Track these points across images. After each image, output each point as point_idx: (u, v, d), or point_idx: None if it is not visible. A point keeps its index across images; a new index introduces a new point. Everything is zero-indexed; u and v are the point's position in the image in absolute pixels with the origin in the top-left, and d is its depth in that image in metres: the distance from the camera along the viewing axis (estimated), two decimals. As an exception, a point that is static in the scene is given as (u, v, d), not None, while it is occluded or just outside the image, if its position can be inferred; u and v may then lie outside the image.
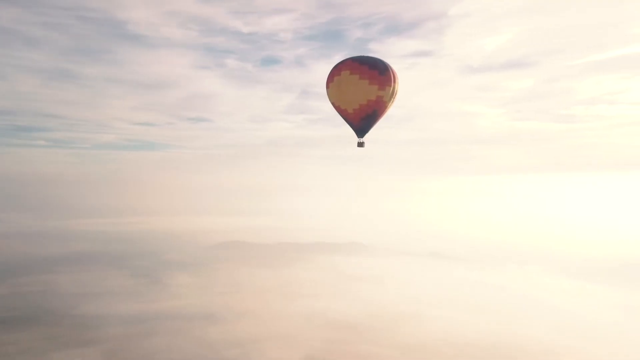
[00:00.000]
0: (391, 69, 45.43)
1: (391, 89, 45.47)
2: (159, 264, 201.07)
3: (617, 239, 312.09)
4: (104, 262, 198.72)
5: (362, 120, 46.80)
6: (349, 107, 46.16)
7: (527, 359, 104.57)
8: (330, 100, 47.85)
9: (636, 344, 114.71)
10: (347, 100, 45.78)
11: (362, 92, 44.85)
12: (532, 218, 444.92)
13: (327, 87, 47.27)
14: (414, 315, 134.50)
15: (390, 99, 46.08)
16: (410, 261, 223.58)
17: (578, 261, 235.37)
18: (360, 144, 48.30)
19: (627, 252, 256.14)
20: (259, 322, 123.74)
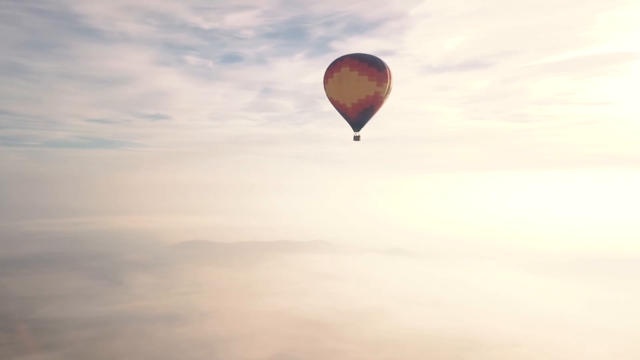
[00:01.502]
0: (387, 66, 48.01)
1: (387, 85, 48.16)
2: (119, 264, 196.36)
3: (571, 234, 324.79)
4: (61, 264, 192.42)
5: (359, 115, 49.12)
6: (347, 102, 48.35)
7: (490, 350, 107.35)
8: (328, 95, 49.99)
9: (591, 333, 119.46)
10: (347, 95, 47.98)
11: (362, 87, 47.10)
12: (491, 214, 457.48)
13: (326, 82, 49.27)
14: (380, 311, 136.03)
15: (386, 95, 48.73)
16: (374, 258, 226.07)
17: (535, 255, 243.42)
18: (356, 138, 50.38)
19: (580, 246, 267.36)
20: (224, 322, 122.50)
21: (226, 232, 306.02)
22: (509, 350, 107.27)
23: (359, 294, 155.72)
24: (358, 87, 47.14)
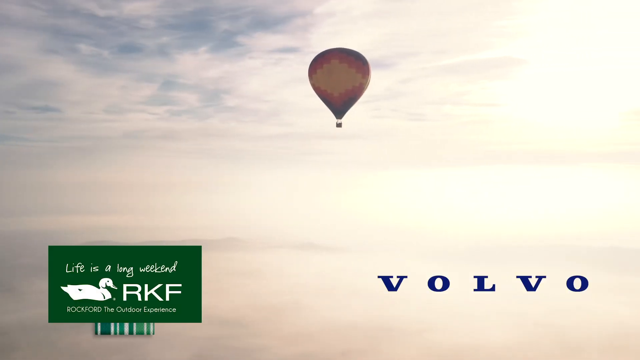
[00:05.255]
0: (367, 61, 54.92)
1: (369, 77, 55.04)
2: (10, 270, 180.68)
3: (471, 224, 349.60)
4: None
5: (344, 103, 55.83)
6: (335, 91, 54.58)
7: (404, 337, 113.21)
8: (315, 84, 55.66)
9: (493, 316, 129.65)
10: (335, 85, 54.11)
11: (350, 78, 53.63)
12: (397, 207, 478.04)
13: (314, 72, 54.90)
14: (296, 306, 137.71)
15: (366, 86, 55.45)
16: (287, 253, 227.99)
17: (440, 244, 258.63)
18: (339, 125, 57.55)
19: (480, 235, 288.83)
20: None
21: (128, 233, 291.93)
22: (421, 336, 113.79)
23: (274, 289, 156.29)
24: (346, 78, 53.45)
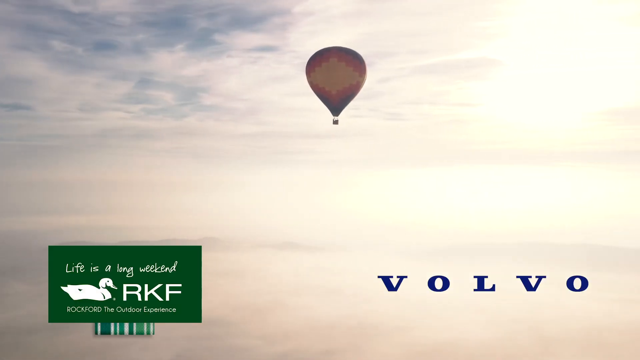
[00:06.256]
0: (364, 60, 56.78)
1: (365, 76, 56.63)
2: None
3: (449, 223, 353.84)
4: None
5: (341, 101, 57.35)
6: (333, 89, 55.94)
7: (384, 335, 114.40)
8: (313, 81, 56.96)
9: (471, 312, 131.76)
10: (333, 83, 55.53)
11: (348, 77, 55.08)
12: (373, 207, 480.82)
13: (312, 70, 56.17)
14: (277, 305, 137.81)
15: (363, 85, 57.20)
16: (266, 253, 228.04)
17: (417, 244, 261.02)
18: (335, 122, 59.14)
19: (459, 233, 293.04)
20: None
21: (104, 233, 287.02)
22: (402, 333, 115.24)
23: (254, 289, 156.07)
24: (344, 76, 54.82)
